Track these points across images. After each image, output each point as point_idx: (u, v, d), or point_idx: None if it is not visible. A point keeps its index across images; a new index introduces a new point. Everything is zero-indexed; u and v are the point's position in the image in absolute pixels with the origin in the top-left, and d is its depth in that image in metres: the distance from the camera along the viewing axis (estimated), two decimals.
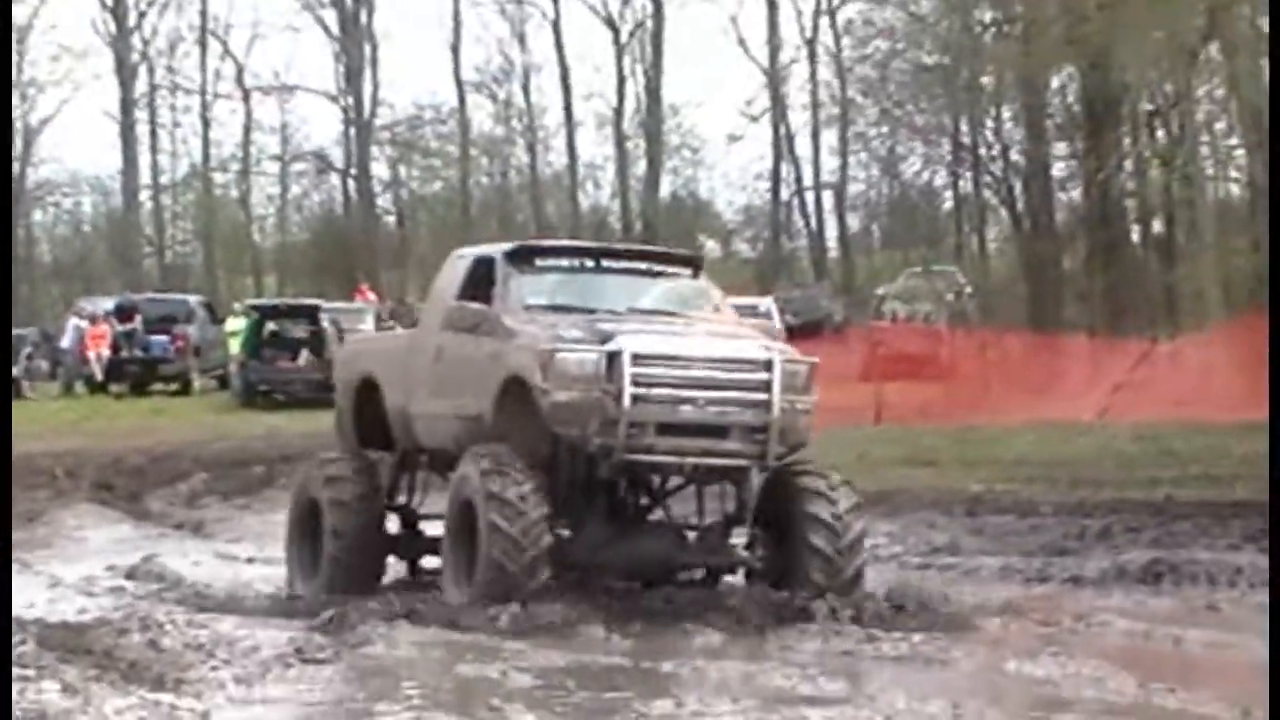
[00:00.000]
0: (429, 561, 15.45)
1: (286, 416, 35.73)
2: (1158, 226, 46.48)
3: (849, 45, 56.47)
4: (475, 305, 14.34)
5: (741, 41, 60.36)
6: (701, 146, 63.26)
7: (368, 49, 62.14)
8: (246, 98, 62.67)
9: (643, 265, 15.19)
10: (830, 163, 59.52)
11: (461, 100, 62.58)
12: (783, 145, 59.70)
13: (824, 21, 58.59)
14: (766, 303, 38.66)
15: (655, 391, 13.44)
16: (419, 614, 13.83)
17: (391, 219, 65.78)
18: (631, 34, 60.83)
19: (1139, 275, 44.79)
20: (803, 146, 60.17)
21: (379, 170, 64.32)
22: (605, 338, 13.53)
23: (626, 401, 13.31)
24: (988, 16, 46.34)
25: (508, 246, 15.26)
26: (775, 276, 56.09)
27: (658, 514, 14.85)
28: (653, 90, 61.10)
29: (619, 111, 61.40)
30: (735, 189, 64.61)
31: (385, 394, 15.45)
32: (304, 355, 39.05)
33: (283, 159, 64.35)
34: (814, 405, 13.84)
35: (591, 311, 14.18)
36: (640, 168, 61.99)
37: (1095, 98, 43.76)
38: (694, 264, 15.59)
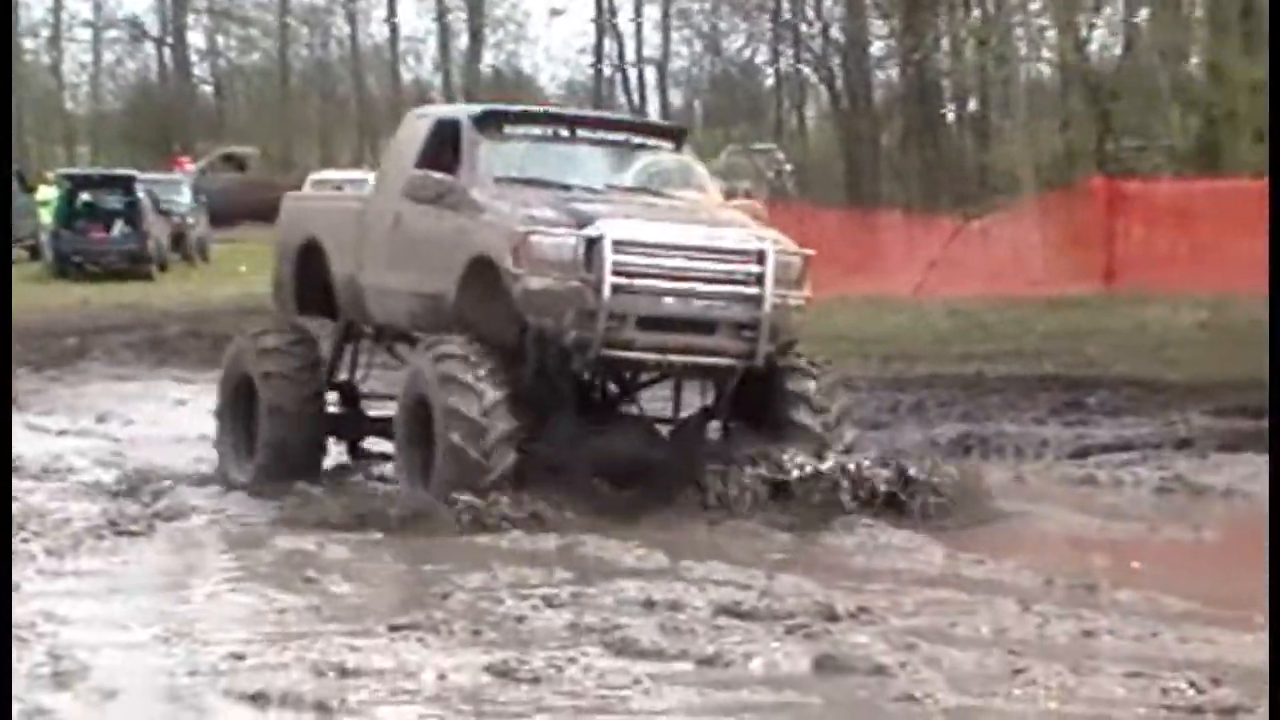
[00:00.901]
0: (371, 444, 14.56)
1: (99, 288, 35.23)
2: (972, 105, 46.93)
3: None
4: (439, 175, 12.97)
5: None
6: (524, 21, 62.75)
7: None
8: None
9: (621, 136, 13.97)
10: (653, 38, 59.39)
11: None
12: (605, 20, 59.39)
13: None
14: None
15: (638, 282, 12.27)
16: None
17: (209, 89, 64.68)
18: None
19: (954, 153, 45.25)
20: (625, 21, 59.92)
21: (195, 39, 63.28)
22: (584, 220, 12.34)
23: (606, 292, 12.14)
24: None
25: (475, 110, 14.14)
26: None
27: (629, 406, 13.70)
28: None
29: None
30: (558, 64, 64.30)
31: (331, 260, 14.06)
32: (118, 226, 38.46)
33: (95, 26, 62.96)
34: (806, 300, 12.75)
35: (567, 187, 13.04)
36: (462, 41, 61.42)
37: None
38: (676, 136, 14.37)
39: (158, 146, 56.33)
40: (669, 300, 12.35)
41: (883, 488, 12.35)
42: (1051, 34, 41.72)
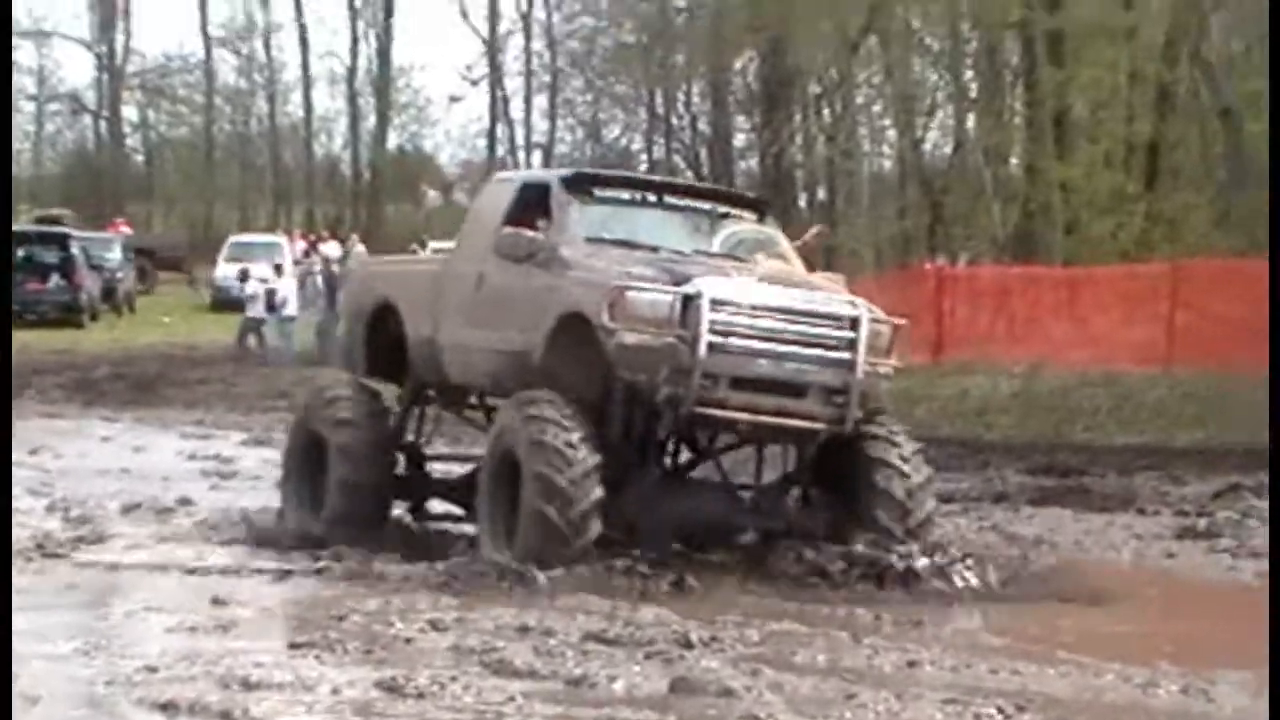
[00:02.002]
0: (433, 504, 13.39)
1: (36, 335, 34.72)
2: (822, 194, 47.30)
3: (559, 20, 56.50)
4: (530, 233, 11.65)
5: (464, 13, 59.88)
6: (426, 105, 62.76)
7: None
8: None
9: (707, 205, 12.60)
10: (541, 125, 59.56)
11: (208, 53, 61.49)
12: (499, 107, 59.52)
13: None
14: None
15: (733, 341, 10.94)
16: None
17: (140, 158, 64.30)
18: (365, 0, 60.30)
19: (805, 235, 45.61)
20: (517, 110, 60.10)
21: (129, 113, 62.95)
22: (680, 279, 11.05)
23: (702, 350, 10.80)
24: (682, 1, 46.66)
25: (564, 173, 12.88)
26: None
27: (700, 468, 12.40)
28: (383, 52, 60.57)
29: (352, 70, 60.84)
30: (456, 144, 64.25)
31: (406, 322, 12.62)
32: (54, 279, 38.02)
33: (38, 99, 62.41)
34: (895, 370, 11.43)
35: (655, 249, 11.74)
36: (370, 122, 61.35)
37: (771, 78, 44.36)
38: (760, 207, 12.87)
39: (93, 208, 55.78)
40: (762, 361, 11.02)
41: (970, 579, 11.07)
42: (891, 134, 42.18)
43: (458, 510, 12.87)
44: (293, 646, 8.70)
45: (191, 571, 11.40)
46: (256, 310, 33.55)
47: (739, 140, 48.60)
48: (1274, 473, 12.54)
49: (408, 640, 9.08)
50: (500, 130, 59.96)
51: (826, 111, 45.06)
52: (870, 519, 11.15)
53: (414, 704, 7.64)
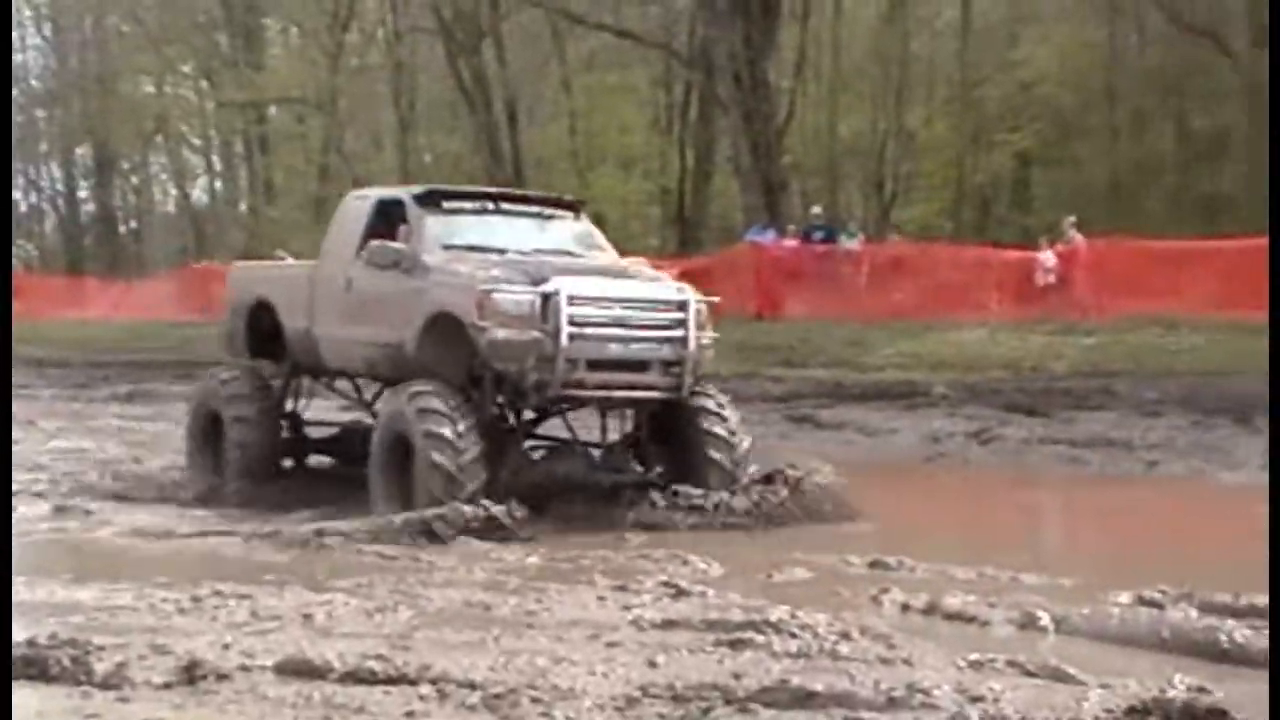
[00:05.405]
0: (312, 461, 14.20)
1: None
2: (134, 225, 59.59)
3: None
4: (395, 244, 12.18)
5: None
6: None
7: None
8: None
9: (535, 209, 13.07)
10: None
11: None
12: None
13: None
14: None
15: (587, 330, 11.43)
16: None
17: None
18: None
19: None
20: None
21: None
22: (537, 279, 11.53)
23: (564, 339, 11.29)
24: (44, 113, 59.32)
25: (416, 190, 12.95)
26: None
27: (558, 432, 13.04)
28: None
29: None
30: None
31: (283, 316, 13.43)
32: None
33: None
34: (713, 340, 12.17)
35: (502, 251, 12.20)
36: None
37: (103, 158, 55.57)
38: (576, 208, 13.42)
39: None
40: (613, 346, 11.58)
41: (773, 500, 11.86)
42: (172, 190, 57.90)
43: (329, 460, 14.15)
44: None
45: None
46: None
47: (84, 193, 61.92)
48: (1274, 467, 11.94)
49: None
50: None
51: (134, 178, 62.02)
52: (704, 457, 12.01)
53: None
